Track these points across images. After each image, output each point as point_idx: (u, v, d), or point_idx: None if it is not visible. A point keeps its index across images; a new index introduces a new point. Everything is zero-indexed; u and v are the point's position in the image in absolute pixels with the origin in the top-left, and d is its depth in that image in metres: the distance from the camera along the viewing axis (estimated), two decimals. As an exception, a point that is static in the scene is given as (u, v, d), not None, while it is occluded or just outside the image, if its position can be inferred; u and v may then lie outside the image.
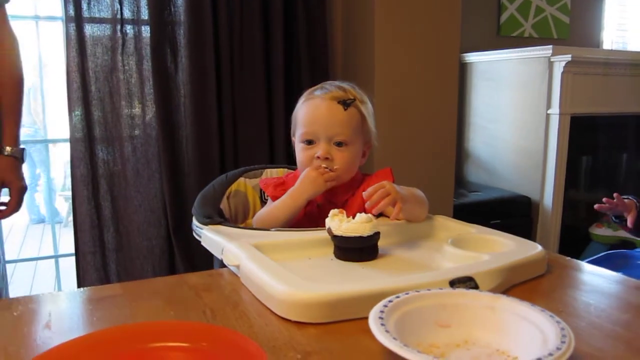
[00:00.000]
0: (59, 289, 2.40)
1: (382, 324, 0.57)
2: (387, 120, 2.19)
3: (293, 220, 1.09)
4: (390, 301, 0.63)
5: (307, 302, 0.67)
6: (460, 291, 0.67)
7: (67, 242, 2.54)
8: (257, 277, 0.75)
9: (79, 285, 2.08)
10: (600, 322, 0.67)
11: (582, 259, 0.97)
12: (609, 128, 2.92)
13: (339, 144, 1.08)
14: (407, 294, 0.65)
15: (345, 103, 1.07)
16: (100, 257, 2.07)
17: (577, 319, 0.68)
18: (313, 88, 1.14)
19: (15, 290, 2.27)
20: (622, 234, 2.68)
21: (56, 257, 2.35)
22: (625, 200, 1.59)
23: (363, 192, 0.95)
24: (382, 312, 0.60)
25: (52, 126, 2.35)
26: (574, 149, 2.69)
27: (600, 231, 2.75)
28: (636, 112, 2.84)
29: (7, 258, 2.15)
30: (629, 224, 1.58)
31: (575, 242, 2.81)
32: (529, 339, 0.58)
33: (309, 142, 1.09)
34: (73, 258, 2.12)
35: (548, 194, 2.72)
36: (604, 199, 1.56)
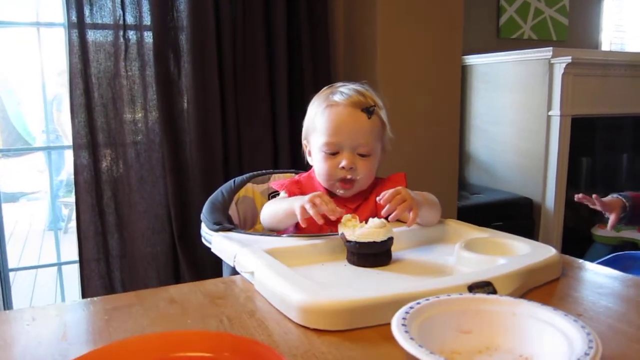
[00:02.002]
0: (62, 296, 2.38)
1: (406, 331, 0.57)
2: (389, 124, 2.19)
3: (309, 224, 1.09)
4: (411, 307, 0.62)
5: (327, 310, 0.66)
6: (480, 296, 0.67)
7: (67, 249, 2.53)
8: (274, 284, 0.75)
9: (83, 293, 2.07)
10: (622, 327, 0.67)
11: (587, 260, 0.97)
12: (609, 129, 2.93)
13: (362, 153, 1.07)
14: (427, 300, 0.64)
15: (369, 111, 1.06)
16: (105, 264, 2.06)
17: (597, 323, 0.68)
18: (327, 91, 1.11)
19: (15, 299, 2.25)
20: (625, 234, 2.68)
21: (59, 264, 2.34)
22: (610, 198, 1.51)
23: (377, 198, 0.95)
24: (404, 318, 0.59)
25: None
26: (574, 150, 2.69)
27: (602, 232, 2.75)
28: (636, 112, 2.85)
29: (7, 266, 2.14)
30: (609, 226, 1.50)
31: (577, 243, 2.81)
32: (554, 345, 0.58)
33: (332, 151, 1.07)
34: (73, 265, 2.11)
35: (550, 196, 2.72)
36: (581, 195, 1.49)
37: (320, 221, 0.93)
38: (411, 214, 0.93)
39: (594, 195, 1.51)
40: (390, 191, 0.94)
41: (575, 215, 2.87)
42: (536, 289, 0.80)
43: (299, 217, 0.96)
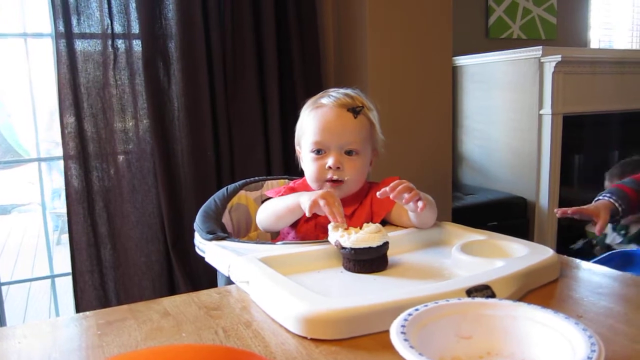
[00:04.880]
0: (56, 309, 2.35)
1: (406, 339, 0.55)
2: (381, 126, 2.19)
3: (306, 232, 1.08)
4: (409, 315, 0.61)
5: (325, 319, 0.65)
6: (480, 301, 0.66)
7: (59, 260, 2.50)
8: (270, 294, 0.73)
9: (77, 305, 2.04)
10: (623, 328, 0.66)
11: (581, 259, 0.96)
12: (600, 126, 2.94)
13: (349, 153, 1.06)
14: (425, 306, 0.63)
15: (355, 111, 1.06)
16: (98, 276, 2.04)
17: (598, 324, 0.67)
18: (318, 96, 1.12)
19: (8, 313, 2.22)
20: (619, 231, 2.68)
21: (52, 277, 2.31)
22: (596, 203, 1.38)
23: (378, 193, 0.94)
24: (403, 326, 0.58)
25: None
26: (566, 148, 2.70)
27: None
28: (626, 109, 2.87)
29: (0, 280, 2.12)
30: (597, 231, 1.35)
31: (571, 241, 2.81)
32: (555, 348, 0.57)
33: (319, 152, 1.07)
34: (67, 277, 2.09)
35: (543, 194, 2.72)
36: (560, 211, 1.35)
37: (331, 215, 0.93)
38: (419, 203, 0.92)
39: (572, 209, 1.35)
40: (396, 181, 0.93)
41: (569, 213, 2.87)
42: (535, 290, 0.80)
43: (306, 209, 0.95)
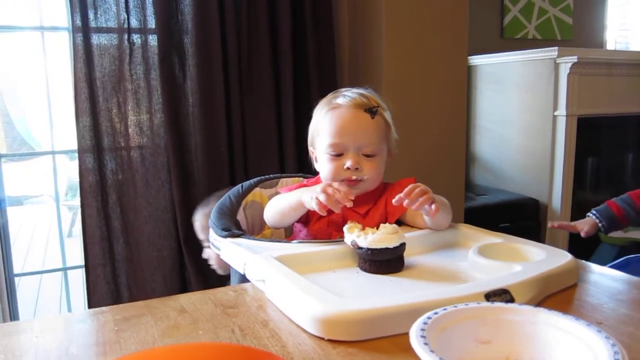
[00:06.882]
0: (68, 302, 2.37)
1: (426, 343, 0.55)
2: (395, 125, 2.18)
3: (318, 230, 1.07)
4: (429, 318, 0.60)
5: (343, 320, 0.65)
6: (499, 305, 0.65)
7: (71, 252, 2.51)
8: (287, 293, 0.73)
9: (89, 298, 2.06)
10: (645, 336, 0.65)
11: (594, 261, 0.95)
12: (615, 128, 2.91)
13: (367, 154, 1.06)
14: (445, 309, 0.63)
15: (372, 111, 1.05)
16: (110, 269, 2.05)
17: (618, 332, 0.66)
18: (331, 96, 1.11)
19: (20, 304, 2.24)
20: (633, 235, 2.65)
21: (64, 269, 2.33)
22: (585, 219, 1.62)
23: (393, 200, 0.93)
24: (423, 330, 0.58)
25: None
26: (580, 150, 2.68)
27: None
28: (641, 112, 2.84)
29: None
30: (583, 235, 1.61)
31: (584, 243, 2.78)
32: (576, 356, 0.56)
33: (337, 153, 1.06)
34: (78, 270, 2.10)
35: (556, 196, 2.70)
36: (553, 224, 1.65)
37: (338, 210, 0.93)
38: (433, 206, 0.92)
39: (558, 224, 1.65)
40: (410, 186, 0.93)
41: (581, 216, 2.85)
42: (553, 295, 0.79)
43: (315, 208, 0.94)
